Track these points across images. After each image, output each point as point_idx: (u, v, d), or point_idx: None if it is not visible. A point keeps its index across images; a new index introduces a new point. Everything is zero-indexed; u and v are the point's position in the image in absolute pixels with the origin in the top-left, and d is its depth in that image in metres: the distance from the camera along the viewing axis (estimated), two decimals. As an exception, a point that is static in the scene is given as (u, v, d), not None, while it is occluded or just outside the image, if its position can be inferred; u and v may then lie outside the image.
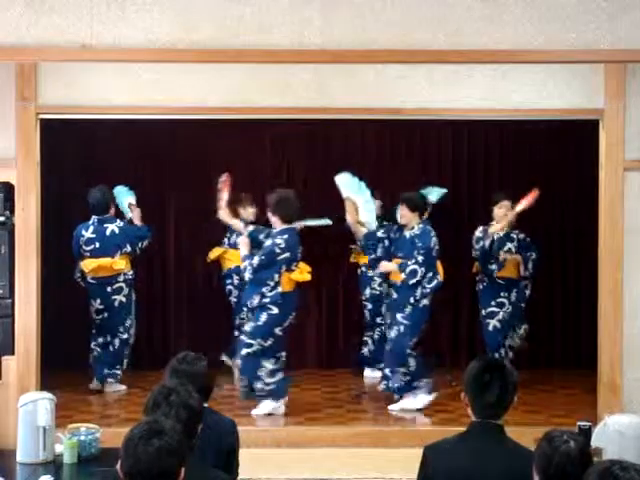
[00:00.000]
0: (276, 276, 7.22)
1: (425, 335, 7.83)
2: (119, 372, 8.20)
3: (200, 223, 8.88)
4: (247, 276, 7.29)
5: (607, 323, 6.88)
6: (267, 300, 7.22)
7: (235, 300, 8.62)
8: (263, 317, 7.24)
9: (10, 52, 6.38)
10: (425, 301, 7.50)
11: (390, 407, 7.52)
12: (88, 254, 8.07)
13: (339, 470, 6.38)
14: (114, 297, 8.09)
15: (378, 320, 8.58)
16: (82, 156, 8.91)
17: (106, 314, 8.10)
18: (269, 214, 7.40)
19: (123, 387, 8.20)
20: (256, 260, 7.22)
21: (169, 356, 4.29)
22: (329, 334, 9.36)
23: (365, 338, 8.79)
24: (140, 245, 8.22)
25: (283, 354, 7.39)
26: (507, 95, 6.95)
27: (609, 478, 2.74)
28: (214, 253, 8.68)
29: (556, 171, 9.26)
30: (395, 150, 9.37)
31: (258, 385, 7.23)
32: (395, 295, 7.58)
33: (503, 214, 8.16)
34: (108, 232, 8.09)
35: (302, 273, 7.46)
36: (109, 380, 8.14)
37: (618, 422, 5.24)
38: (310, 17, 6.35)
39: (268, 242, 7.29)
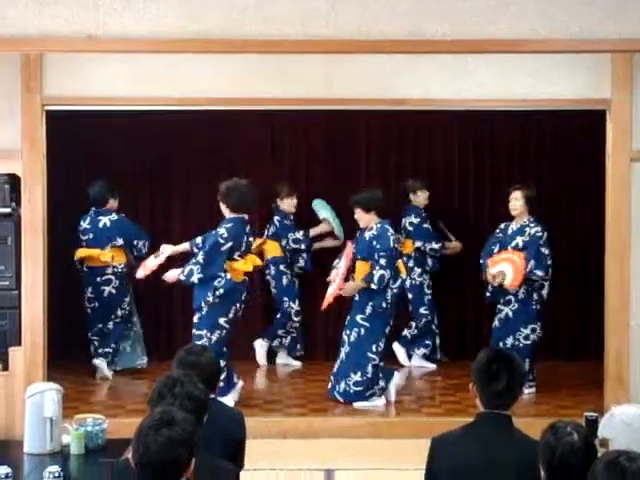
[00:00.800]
0: (224, 266, 7.07)
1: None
2: (109, 351, 8.28)
3: (206, 215, 8.87)
4: (196, 278, 7.00)
5: (614, 313, 6.87)
6: (219, 292, 7.04)
7: (275, 290, 8.84)
8: (204, 309, 7.07)
9: (15, 43, 6.35)
10: (387, 303, 7.27)
11: (356, 404, 7.34)
12: (84, 244, 8.31)
13: (345, 461, 6.39)
14: (103, 288, 8.26)
15: (422, 310, 8.73)
16: (88, 148, 8.90)
17: (96, 303, 8.29)
18: (220, 203, 7.25)
19: (109, 374, 8.22)
20: (201, 257, 7.03)
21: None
22: (335, 326, 9.35)
23: None
24: (138, 244, 8.26)
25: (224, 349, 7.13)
26: (513, 85, 6.93)
27: (616, 469, 2.74)
28: (255, 244, 8.75)
29: (563, 162, 9.24)
30: (400, 141, 9.34)
31: None
32: (357, 296, 7.37)
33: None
34: (101, 224, 8.27)
35: (246, 263, 7.24)
36: (99, 360, 8.20)
37: (625, 412, 5.21)
38: (315, 7, 6.32)
39: (212, 232, 7.15)
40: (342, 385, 7.36)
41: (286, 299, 8.79)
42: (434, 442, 3.62)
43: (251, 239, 7.39)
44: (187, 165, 9.09)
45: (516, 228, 7.72)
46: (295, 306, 8.80)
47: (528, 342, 7.60)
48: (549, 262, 7.67)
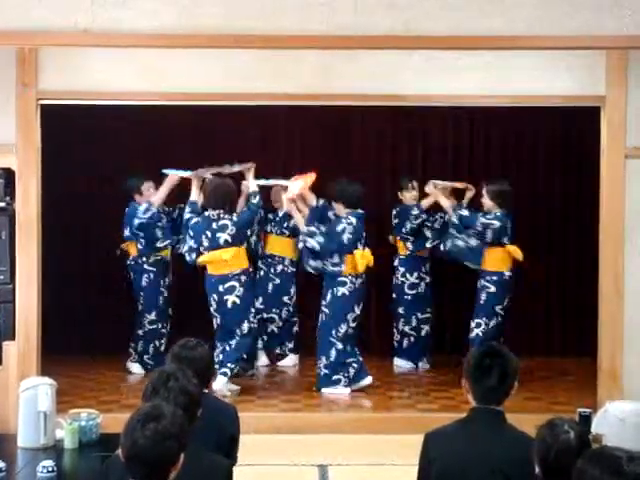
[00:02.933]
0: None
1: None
2: (131, 349, 8.35)
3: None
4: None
5: (608, 310, 6.89)
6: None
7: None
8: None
9: (10, 37, 6.36)
10: (344, 290, 7.53)
11: (324, 390, 7.58)
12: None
13: (340, 456, 6.39)
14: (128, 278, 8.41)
15: (400, 310, 8.65)
16: (84, 142, 8.89)
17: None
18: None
19: (137, 369, 8.30)
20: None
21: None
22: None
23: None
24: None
25: None
26: (508, 82, 6.93)
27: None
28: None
29: (557, 158, 9.26)
30: (396, 137, 9.35)
31: None
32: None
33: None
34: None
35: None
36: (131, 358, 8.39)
37: (619, 409, 5.26)
38: (312, 3, 6.33)
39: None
40: (317, 371, 7.61)
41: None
42: (427, 437, 3.63)
43: (220, 234, 7.52)
44: (182, 160, 9.06)
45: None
46: (257, 303, 8.48)
47: (471, 336, 7.76)
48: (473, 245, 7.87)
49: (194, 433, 3.23)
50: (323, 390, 7.55)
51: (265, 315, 8.61)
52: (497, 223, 7.74)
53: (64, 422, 4.88)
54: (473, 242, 7.87)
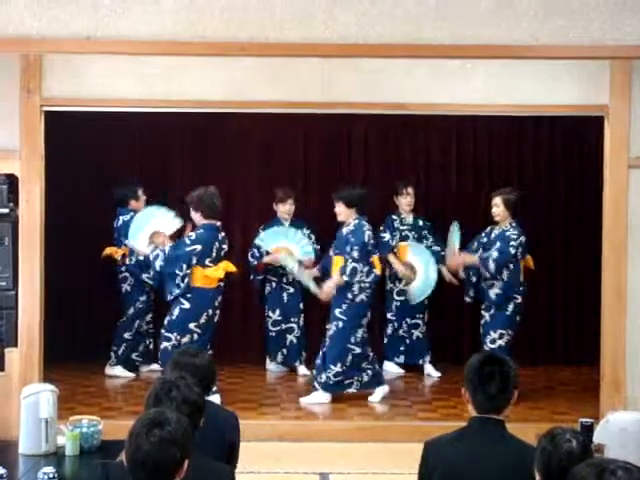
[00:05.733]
0: (184, 267, 7.16)
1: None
2: (112, 353, 8.48)
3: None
4: (158, 264, 7.21)
5: (610, 320, 6.88)
6: (178, 292, 7.19)
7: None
8: (176, 311, 7.23)
9: (15, 44, 6.38)
10: (362, 296, 7.51)
11: (302, 399, 7.53)
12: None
13: (340, 465, 6.38)
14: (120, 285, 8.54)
15: (389, 315, 8.69)
16: (88, 149, 8.90)
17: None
18: (191, 211, 7.34)
19: (115, 372, 8.44)
20: (167, 248, 7.22)
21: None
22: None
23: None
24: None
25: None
26: (511, 91, 6.93)
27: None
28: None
29: (560, 168, 9.26)
30: (398, 145, 9.35)
31: None
32: (335, 292, 7.56)
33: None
34: (119, 223, 8.43)
35: (217, 270, 7.28)
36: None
37: (621, 419, 5.22)
38: (315, 11, 6.34)
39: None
40: (323, 377, 7.52)
41: (265, 307, 8.75)
42: (427, 446, 3.62)
43: (224, 246, 7.40)
44: (184, 167, 9.09)
45: (498, 232, 7.73)
46: (274, 315, 8.68)
47: (494, 346, 7.52)
48: (518, 266, 7.60)
49: (195, 440, 3.23)
50: (329, 395, 7.49)
51: (284, 326, 8.66)
52: (524, 238, 7.58)
53: (65, 429, 4.88)
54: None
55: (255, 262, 8.57)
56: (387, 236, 8.59)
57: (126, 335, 8.48)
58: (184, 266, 7.15)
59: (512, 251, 7.53)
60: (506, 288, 7.56)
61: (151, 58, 6.68)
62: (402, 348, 8.69)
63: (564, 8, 6.38)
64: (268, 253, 8.44)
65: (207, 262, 7.22)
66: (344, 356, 7.47)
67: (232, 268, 7.45)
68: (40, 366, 6.79)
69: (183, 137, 9.03)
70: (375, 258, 7.66)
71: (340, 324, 7.50)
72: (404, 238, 8.65)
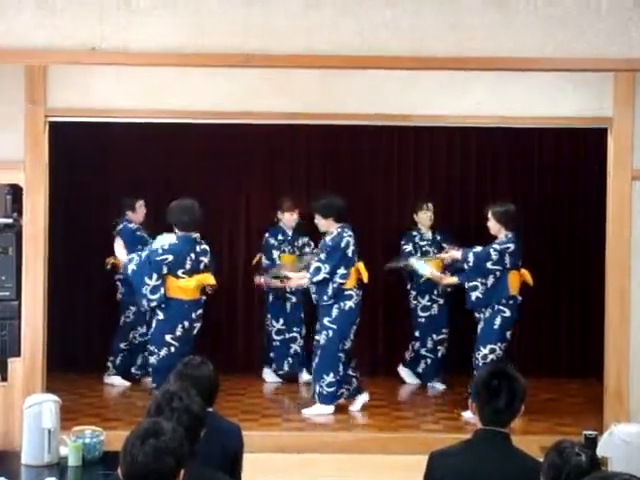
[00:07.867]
0: (154, 275, 7.13)
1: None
2: (109, 364, 8.57)
3: (206, 226, 8.87)
4: (130, 268, 7.20)
5: (614, 331, 6.86)
6: (152, 303, 7.18)
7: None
8: (153, 323, 7.28)
9: (19, 55, 6.40)
10: (350, 304, 7.52)
11: (304, 411, 7.51)
12: None
13: (343, 476, 6.37)
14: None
15: (416, 333, 8.68)
16: (92, 159, 8.92)
17: None
18: (170, 221, 7.36)
19: (112, 381, 8.52)
20: (144, 253, 7.25)
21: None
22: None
23: None
24: None
25: None
26: (515, 103, 6.94)
27: None
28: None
29: (564, 179, 9.26)
30: (403, 156, 9.36)
31: None
32: (323, 301, 7.58)
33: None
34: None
35: (190, 282, 7.20)
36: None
37: (624, 431, 5.21)
38: (319, 23, 6.36)
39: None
40: (317, 388, 7.54)
41: (268, 316, 8.74)
42: (432, 457, 3.62)
43: (203, 258, 7.34)
44: (187, 177, 9.09)
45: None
46: (277, 325, 8.68)
47: (486, 362, 7.38)
48: (505, 276, 7.55)
49: (198, 452, 3.22)
50: (328, 408, 7.48)
51: (287, 335, 8.66)
52: (512, 246, 7.54)
53: (68, 439, 4.87)
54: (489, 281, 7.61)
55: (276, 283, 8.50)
56: (409, 247, 8.65)
57: (122, 345, 8.57)
58: (154, 275, 7.12)
59: (495, 248, 7.50)
60: (488, 295, 7.52)
61: (155, 69, 6.69)
62: (428, 364, 8.66)
63: (569, 20, 6.39)
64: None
65: (180, 273, 7.20)
66: (336, 366, 7.48)
67: (211, 281, 7.33)
68: (43, 376, 6.79)
69: (188, 148, 9.03)
70: (360, 265, 7.64)
71: (330, 333, 7.50)
72: (425, 253, 8.67)
